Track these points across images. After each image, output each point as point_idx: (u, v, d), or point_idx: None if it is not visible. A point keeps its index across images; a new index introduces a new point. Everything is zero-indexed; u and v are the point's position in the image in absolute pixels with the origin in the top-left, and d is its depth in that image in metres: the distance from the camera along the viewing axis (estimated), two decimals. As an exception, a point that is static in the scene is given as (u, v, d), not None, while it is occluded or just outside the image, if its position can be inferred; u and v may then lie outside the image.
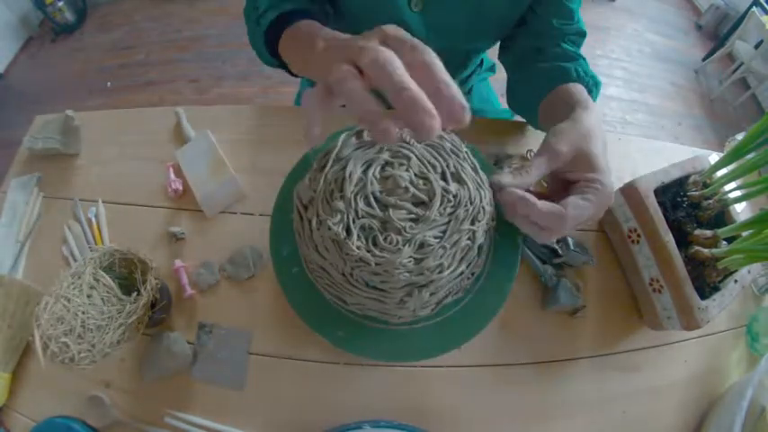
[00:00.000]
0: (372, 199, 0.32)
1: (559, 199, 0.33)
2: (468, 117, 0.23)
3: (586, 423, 0.48)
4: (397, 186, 0.32)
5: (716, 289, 0.48)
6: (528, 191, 0.34)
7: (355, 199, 0.32)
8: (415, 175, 0.33)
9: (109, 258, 0.45)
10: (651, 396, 0.50)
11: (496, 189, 0.34)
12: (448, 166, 0.34)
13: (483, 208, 0.34)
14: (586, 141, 0.35)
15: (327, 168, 0.34)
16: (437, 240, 0.32)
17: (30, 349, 0.49)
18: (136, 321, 0.42)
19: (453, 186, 0.33)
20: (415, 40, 0.25)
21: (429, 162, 0.34)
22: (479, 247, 0.35)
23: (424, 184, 0.33)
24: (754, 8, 2.10)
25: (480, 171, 0.36)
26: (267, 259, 0.51)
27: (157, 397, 0.46)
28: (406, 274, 0.31)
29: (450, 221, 0.32)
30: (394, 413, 0.45)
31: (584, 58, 0.50)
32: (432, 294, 0.33)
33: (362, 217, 0.32)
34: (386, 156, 0.34)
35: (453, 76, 0.61)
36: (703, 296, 0.46)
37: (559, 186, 0.37)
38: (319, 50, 0.31)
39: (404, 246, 0.31)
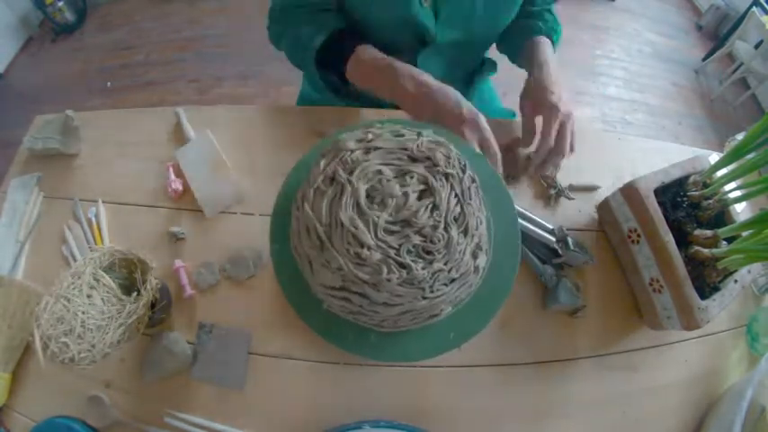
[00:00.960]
0: (391, 226, 0.32)
1: None
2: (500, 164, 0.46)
3: (586, 423, 0.48)
4: (395, 197, 0.33)
5: (716, 289, 0.48)
6: None
7: (380, 239, 0.32)
8: (395, 176, 0.34)
9: (109, 258, 0.45)
10: (651, 396, 0.50)
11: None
12: (405, 147, 0.35)
13: (458, 155, 0.35)
14: (543, 93, 0.54)
15: (329, 242, 0.32)
16: (460, 206, 0.33)
17: (30, 349, 0.49)
18: (136, 321, 0.42)
19: (428, 160, 0.34)
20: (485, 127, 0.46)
21: (392, 161, 0.34)
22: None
23: (410, 177, 0.34)
24: (754, 8, 2.10)
25: (425, 131, 0.37)
26: (267, 259, 0.51)
27: (157, 397, 0.46)
28: (468, 248, 0.32)
29: (452, 184, 0.33)
30: (394, 413, 0.45)
31: (549, 11, 0.65)
32: (427, 309, 0.34)
33: (401, 245, 0.32)
34: (362, 187, 0.33)
35: (469, 77, 0.76)
36: (703, 296, 0.46)
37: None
38: (411, 92, 0.47)
39: (447, 232, 0.32)
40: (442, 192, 0.32)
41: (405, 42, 0.58)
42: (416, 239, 0.31)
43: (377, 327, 0.35)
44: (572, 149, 0.53)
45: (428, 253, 0.31)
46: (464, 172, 0.35)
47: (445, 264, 0.31)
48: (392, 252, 0.31)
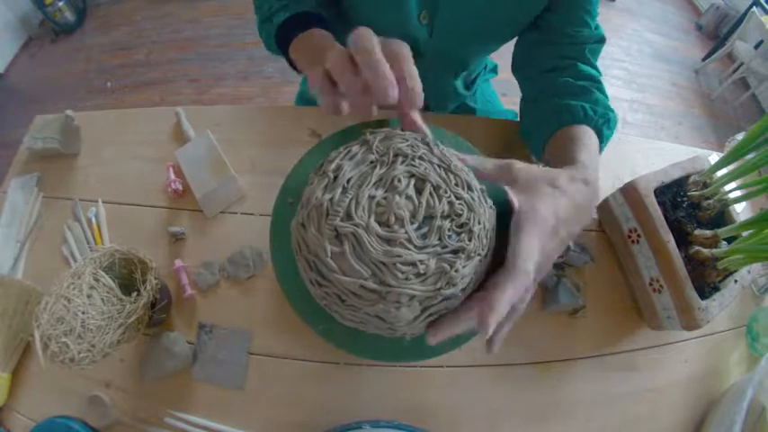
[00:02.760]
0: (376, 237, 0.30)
1: None
2: (420, 103, 0.32)
3: (586, 423, 0.48)
4: (393, 215, 0.31)
5: (716, 289, 0.48)
6: None
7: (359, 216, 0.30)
8: (415, 192, 0.32)
9: (109, 258, 0.45)
10: (651, 396, 0.50)
11: None
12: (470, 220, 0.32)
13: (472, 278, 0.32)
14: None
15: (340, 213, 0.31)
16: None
17: (30, 349, 0.49)
18: (136, 321, 0.42)
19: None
20: (391, 41, 0.32)
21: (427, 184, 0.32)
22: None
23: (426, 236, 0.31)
24: (754, 8, 2.10)
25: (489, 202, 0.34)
26: (267, 259, 0.51)
27: (157, 397, 0.46)
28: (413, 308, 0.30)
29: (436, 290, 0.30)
30: (394, 413, 0.45)
31: (599, 82, 0.48)
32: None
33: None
34: (380, 192, 0.31)
35: (456, 77, 0.60)
36: (703, 296, 0.46)
37: None
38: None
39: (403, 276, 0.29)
40: (430, 172, 0.32)
41: None
42: (446, 224, 0.31)
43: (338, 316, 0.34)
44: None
45: (461, 226, 0.31)
46: (426, 144, 0.33)
47: (478, 222, 0.31)
48: (440, 249, 0.30)
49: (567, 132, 0.44)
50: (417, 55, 0.55)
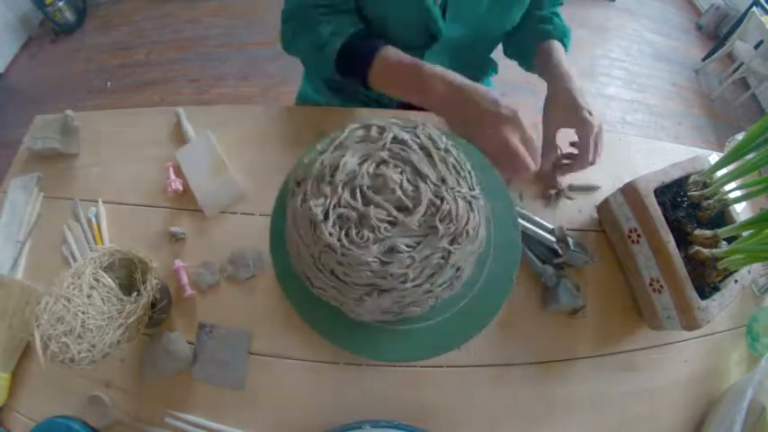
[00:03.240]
0: (358, 192, 0.32)
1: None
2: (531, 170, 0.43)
3: (586, 423, 0.48)
4: (386, 186, 0.32)
5: (716, 289, 0.48)
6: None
7: (342, 187, 0.32)
8: (407, 180, 0.33)
9: (109, 258, 0.45)
10: (651, 396, 0.50)
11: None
12: (444, 180, 0.34)
13: (467, 231, 0.33)
14: (574, 108, 0.52)
15: (326, 153, 0.34)
16: (408, 249, 0.31)
17: (30, 349, 0.49)
18: (136, 321, 0.42)
19: (441, 200, 0.33)
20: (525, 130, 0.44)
21: (424, 172, 0.34)
22: (458, 271, 0.34)
23: (413, 191, 0.33)
24: (754, 8, 2.10)
25: (477, 192, 0.35)
26: (267, 259, 0.51)
27: (157, 397, 0.46)
28: (369, 273, 0.31)
29: (427, 235, 0.32)
30: (394, 413, 0.45)
31: (557, 15, 0.64)
32: (395, 303, 0.33)
33: (343, 206, 0.32)
34: (385, 154, 0.34)
35: (478, 73, 0.75)
36: (703, 296, 0.45)
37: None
38: (441, 94, 0.45)
39: (373, 245, 0.31)
40: (408, 225, 0.32)
41: (414, 40, 0.58)
42: (354, 218, 0.32)
43: (341, 306, 0.35)
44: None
45: (346, 235, 0.31)
46: (450, 243, 0.32)
47: (342, 255, 0.31)
48: (334, 202, 0.32)
49: (544, 46, 0.60)
50: (435, 39, 0.57)
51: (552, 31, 0.61)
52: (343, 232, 0.31)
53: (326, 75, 0.57)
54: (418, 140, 0.35)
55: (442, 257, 0.32)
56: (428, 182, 0.33)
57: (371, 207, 0.32)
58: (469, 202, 0.34)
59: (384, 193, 0.32)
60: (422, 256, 0.31)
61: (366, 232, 0.31)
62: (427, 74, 0.46)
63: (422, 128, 0.36)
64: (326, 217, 0.32)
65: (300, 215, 0.33)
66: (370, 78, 0.50)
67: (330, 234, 0.31)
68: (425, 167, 0.34)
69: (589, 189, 0.59)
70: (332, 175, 0.33)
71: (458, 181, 0.34)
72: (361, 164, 0.33)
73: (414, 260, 0.31)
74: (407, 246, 0.31)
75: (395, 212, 0.32)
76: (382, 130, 0.35)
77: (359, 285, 0.32)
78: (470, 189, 0.34)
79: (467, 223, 0.33)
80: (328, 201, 0.32)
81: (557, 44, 0.60)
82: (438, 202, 0.32)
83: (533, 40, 0.62)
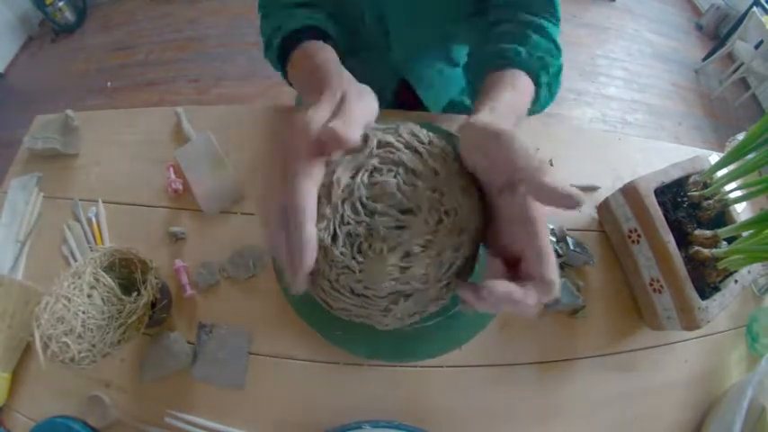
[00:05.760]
0: (359, 205, 0.32)
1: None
2: None
3: (586, 423, 0.48)
4: (384, 192, 0.32)
5: (716, 289, 0.48)
6: None
7: (342, 205, 0.32)
8: (403, 181, 0.33)
9: (109, 258, 0.45)
10: (651, 396, 0.50)
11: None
12: (436, 172, 0.33)
13: (467, 218, 0.33)
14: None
15: None
16: (423, 249, 0.31)
17: (30, 349, 0.49)
18: (136, 321, 0.42)
19: (440, 194, 0.32)
20: None
21: (418, 169, 0.33)
22: (466, 260, 0.34)
23: (412, 191, 0.32)
24: (754, 8, 2.10)
25: (464, 178, 0.35)
26: (267, 259, 0.51)
27: (157, 397, 0.46)
28: (392, 283, 0.31)
29: (436, 230, 0.32)
30: (394, 413, 0.45)
31: (542, 29, 0.43)
32: (417, 304, 0.32)
33: (348, 223, 0.31)
34: (375, 161, 0.33)
35: (431, 54, 0.59)
36: (703, 296, 0.46)
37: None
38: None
39: (388, 254, 0.30)
40: (418, 226, 0.31)
41: (371, 39, 0.56)
42: (362, 232, 0.31)
43: (368, 321, 0.35)
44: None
45: (359, 251, 0.31)
46: (458, 235, 0.32)
47: (360, 271, 0.30)
48: (338, 221, 0.31)
49: (495, 77, 0.39)
50: (387, 36, 0.54)
51: (514, 58, 0.40)
52: (355, 249, 0.31)
53: (283, 76, 0.49)
54: (403, 140, 0.35)
55: (456, 250, 0.32)
56: (423, 178, 0.33)
57: (376, 216, 0.31)
58: (465, 189, 0.34)
59: (384, 200, 0.32)
60: (436, 252, 0.31)
61: (378, 243, 0.31)
62: (329, 77, 0.35)
63: (403, 126, 0.36)
64: (334, 239, 0.31)
65: None
66: (289, 76, 0.45)
67: (342, 254, 0.30)
68: (416, 164, 0.34)
69: (589, 189, 0.59)
70: (328, 195, 0.32)
71: (446, 171, 0.34)
72: (353, 176, 0.33)
73: (431, 258, 0.31)
74: (421, 246, 0.31)
75: (401, 216, 0.32)
76: (366, 137, 0.34)
77: (382, 297, 0.32)
78: (459, 175, 0.34)
79: (469, 211, 0.33)
80: (332, 222, 0.31)
81: (517, 78, 0.39)
82: (438, 196, 0.32)
83: (484, 68, 0.42)
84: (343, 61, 0.39)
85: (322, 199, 0.32)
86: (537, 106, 0.42)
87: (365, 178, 0.33)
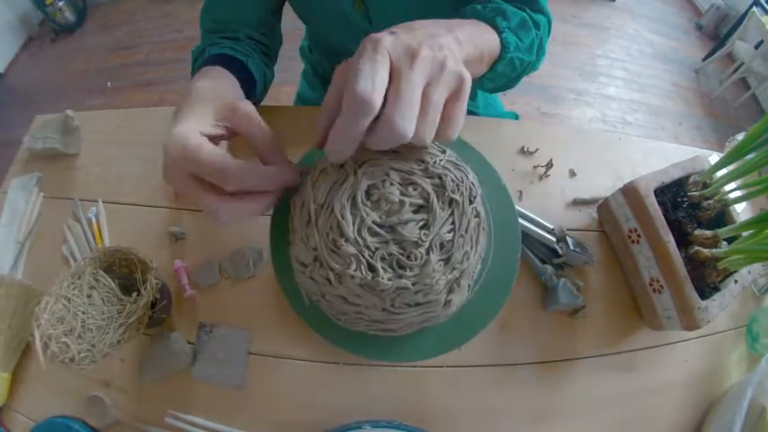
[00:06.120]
0: (376, 227, 0.31)
1: None
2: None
3: (586, 423, 0.48)
4: (389, 202, 0.31)
5: (716, 289, 0.48)
6: None
7: (360, 236, 0.31)
8: (400, 184, 0.32)
9: (109, 258, 0.45)
10: (651, 396, 0.50)
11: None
12: (423, 161, 0.33)
13: (472, 183, 0.34)
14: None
15: (314, 221, 0.32)
16: (452, 234, 0.32)
17: (30, 349, 0.49)
18: (136, 321, 0.42)
19: (438, 177, 0.33)
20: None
21: (405, 168, 0.33)
22: (485, 232, 0.35)
23: (413, 189, 0.32)
24: (754, 8, 2.10)
25: (448, 151, 0.35)
26: (267, 259, 0.51)
27: (157, 397, 0.46)
28: (444, 277, 0.31)
29: (453, 211, 0.32)
30: (394, 413, 0.45)
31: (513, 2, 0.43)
32: (467, 282, 0.33)
33: (377, 249, 0.31)
34: (364, 179, 0.32)
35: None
36: (703, 296, 0.45)
37: None
38: None
39: (428, 255, 0.30)
40: (438, 214, 0.32)
41: (345, 37, 0.56)
42: (394, 249, 0.31)
43: (335, 318, 0.36)
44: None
45: (401, 267, 0.31)
46: (471, 203, 0.33)
47: (414, 284, 0.30)
48: (366, 252, 0.30)
49: None
50: (371, 25, 0.54)
51: (467, 12, 0.41)
52: (396, 267, 0.31)
53: None
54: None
55: (476, 216, 0.33)
56: (415, 170, 0.33)
57: (399, 228, 0.31)
58: (455, 164, 0.34)
59: (395, 210, 0.32)
60: (464, 229, 0.32)
61: (414, 251, 0.30)
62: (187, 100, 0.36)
63: None
64: (373, 269, 0.30)
65: (346, 289, 0.31)
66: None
67: (390, 279, 0.30)
68: (402, 163, 0.33)
69: (594, 202, 0.58)
70: (341, 235, 0.31)
71: (431, 155, 0.34)
72: (353, 205, 0.32)
73: (464, 237, 0.32)
74: (449, 231, 0.32)
75: (419, 217, 0.32)
76: (341, 164, 0.33)
77: (440, 293, 0.32)
78: (442, 152, 0.35)
79: (467, 177, 0.34)
80: (361, 256, 0.30)
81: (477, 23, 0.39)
82: (437, 180, 0.33)
83: None
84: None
85: (338, 240, 0.31)
86: (508, 53, 0.41)
87: (365, 200, 0.32)
